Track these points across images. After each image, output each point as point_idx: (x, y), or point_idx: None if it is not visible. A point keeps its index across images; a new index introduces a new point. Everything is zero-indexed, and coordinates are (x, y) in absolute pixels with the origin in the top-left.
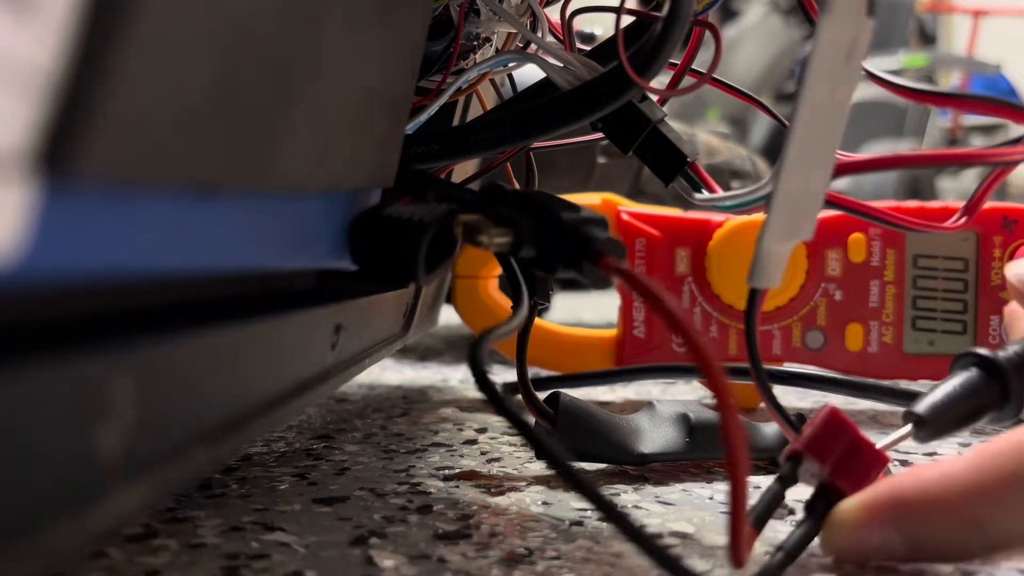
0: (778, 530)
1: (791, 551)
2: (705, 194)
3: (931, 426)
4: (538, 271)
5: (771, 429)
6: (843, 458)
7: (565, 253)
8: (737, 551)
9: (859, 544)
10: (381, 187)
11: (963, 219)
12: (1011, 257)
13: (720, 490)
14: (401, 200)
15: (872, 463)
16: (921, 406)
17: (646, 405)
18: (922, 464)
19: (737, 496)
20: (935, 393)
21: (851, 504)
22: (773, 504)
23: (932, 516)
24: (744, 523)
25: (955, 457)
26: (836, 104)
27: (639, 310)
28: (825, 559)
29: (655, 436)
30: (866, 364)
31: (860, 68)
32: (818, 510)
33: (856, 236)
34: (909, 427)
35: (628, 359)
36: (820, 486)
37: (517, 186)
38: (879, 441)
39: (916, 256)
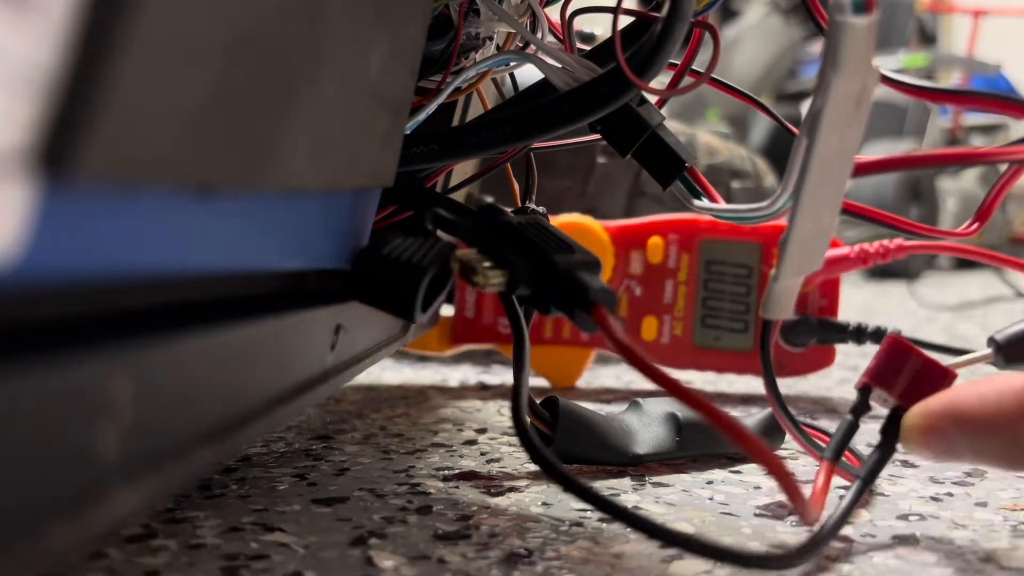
0: (778, 530)
1: (867, 477)
2: (705, 202)
3: (1005, 352)
4: (532, 308)
5: (746, 424)
6: (911, 382)
7: (559, 298)
8: (803, 510)
9: (928, 448)
10: (381, 187)
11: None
12: None
13: (720, 491)
14: (399, 224)
15: (940, 380)
16: (1002, 335)
17: (631, 403)
18: (983, 378)
19: (781, 478)
20: (1016, 327)
21: (914, 412)
22: (848, 435)
23: (988, 429)
24: (793, 483)
25: (1013, 376)
26: (846, 147)
27: (471, 293)
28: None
29: (647, 436)
30: (658, 353)
31: (868, 110)
32: (891, 434)
33: (655, 240)
34: (989, 350)
35: (461, 338)
36: (892, 411)
37: (516, 188)
38: (950, 362)
39: (708, 261)
